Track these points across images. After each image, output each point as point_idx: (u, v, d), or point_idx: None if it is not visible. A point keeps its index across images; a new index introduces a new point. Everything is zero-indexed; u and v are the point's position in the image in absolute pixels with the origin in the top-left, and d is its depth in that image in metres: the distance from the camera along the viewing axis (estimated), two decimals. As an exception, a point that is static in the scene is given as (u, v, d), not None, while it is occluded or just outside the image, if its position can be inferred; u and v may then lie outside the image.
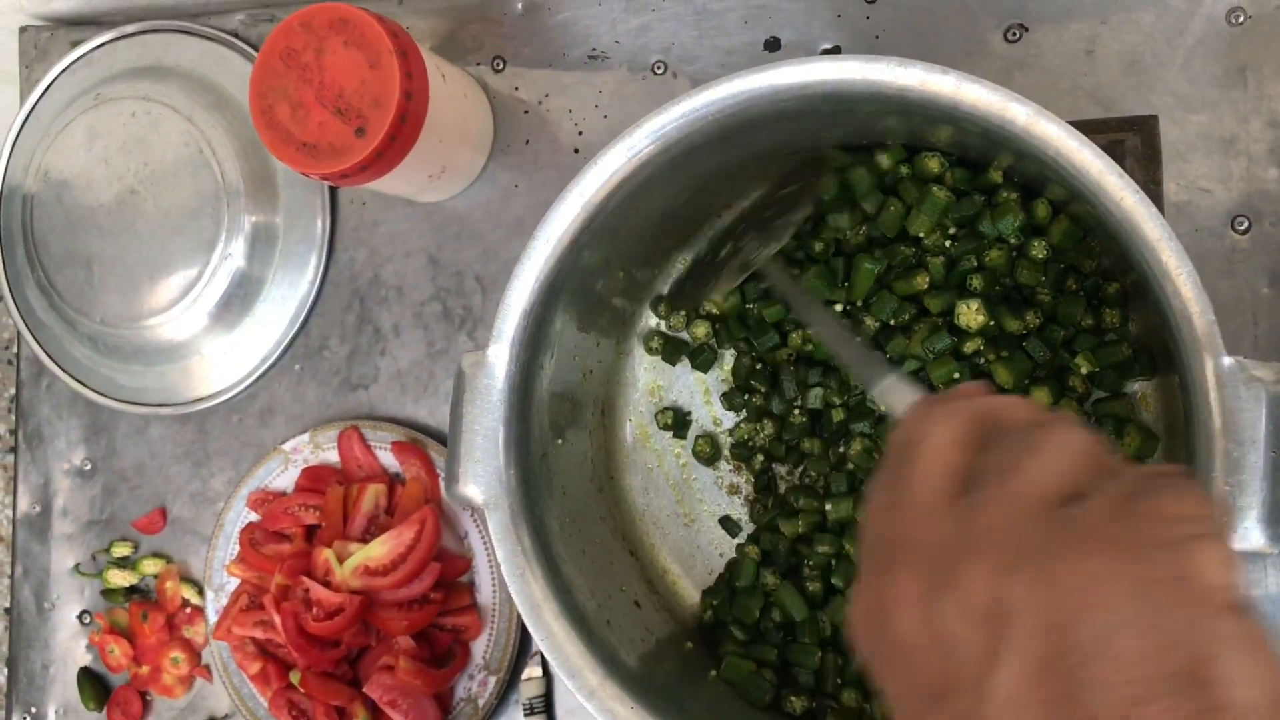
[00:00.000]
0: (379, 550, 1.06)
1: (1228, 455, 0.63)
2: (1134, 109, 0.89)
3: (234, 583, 1.16)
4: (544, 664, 1.05)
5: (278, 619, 1.06)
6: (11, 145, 1.07)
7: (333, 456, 1.14)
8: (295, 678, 1.10)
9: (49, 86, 1.11)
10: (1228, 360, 0.64)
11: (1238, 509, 0.62)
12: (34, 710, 1.09)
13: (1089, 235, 0.81)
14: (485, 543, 1.09)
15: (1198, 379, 0.65)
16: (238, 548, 1.15)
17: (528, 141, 1.08)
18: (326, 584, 1.07)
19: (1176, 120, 0.89)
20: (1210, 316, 0.65)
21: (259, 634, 1.11)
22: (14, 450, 1.12)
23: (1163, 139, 0.89)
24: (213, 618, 1.16)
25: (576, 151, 1.05)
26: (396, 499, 1.11)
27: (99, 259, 1.02)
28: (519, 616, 1.06)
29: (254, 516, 1.16)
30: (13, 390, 1.15)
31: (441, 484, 1.11)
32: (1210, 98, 0.89)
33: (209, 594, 1.17)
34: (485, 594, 1.09)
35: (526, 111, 1.08)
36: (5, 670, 1.11)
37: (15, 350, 1.12)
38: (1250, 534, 0.63)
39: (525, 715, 1.06)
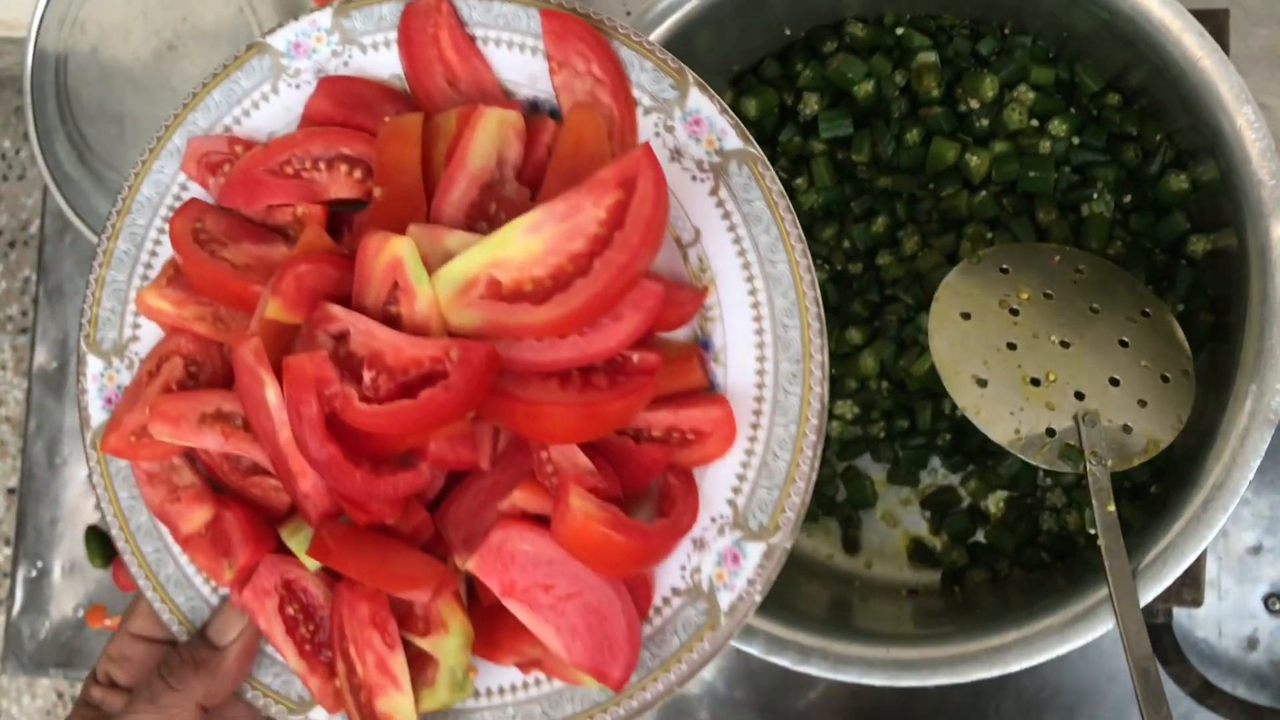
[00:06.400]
0: (522, 244, 0.45)
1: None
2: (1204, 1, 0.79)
3: (146, 342, 0.54)
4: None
5: (274, 395, 0.45)
6: (46, -8, 0.92)
7: (385, 61, 0.52)
8: (296, 537, 0.50)
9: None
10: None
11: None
12: (40, 564, 1.02)
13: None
14: (745, 247, 0.49)
15: (1261, 244, 0.65)
16: (155, 253, 0.53)
17: None
18: (393, 320, 0.46)
19: (1241, 33, 0.85)
20: (1283, 178, 0.65)
21: (212, 443, 0.50)
22: (34, 305, 1.06)
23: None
24: (97, 411, 0.54)
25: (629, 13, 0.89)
26: (541, 148, 0.50)
27: (132, 115, 0.93)
28: (823, 407, 0.48)
29: (201, 193, 0.54)
30: (27, 272, 1.20)
31: (644, 114, 0.50)
32: (1278, 11, 0.85)
33: (91, 362, 0.55)
34: (740, 366, 0.49)
35: None
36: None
37: (37, 228, 1.05)
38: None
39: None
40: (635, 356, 0.47)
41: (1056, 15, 0.75)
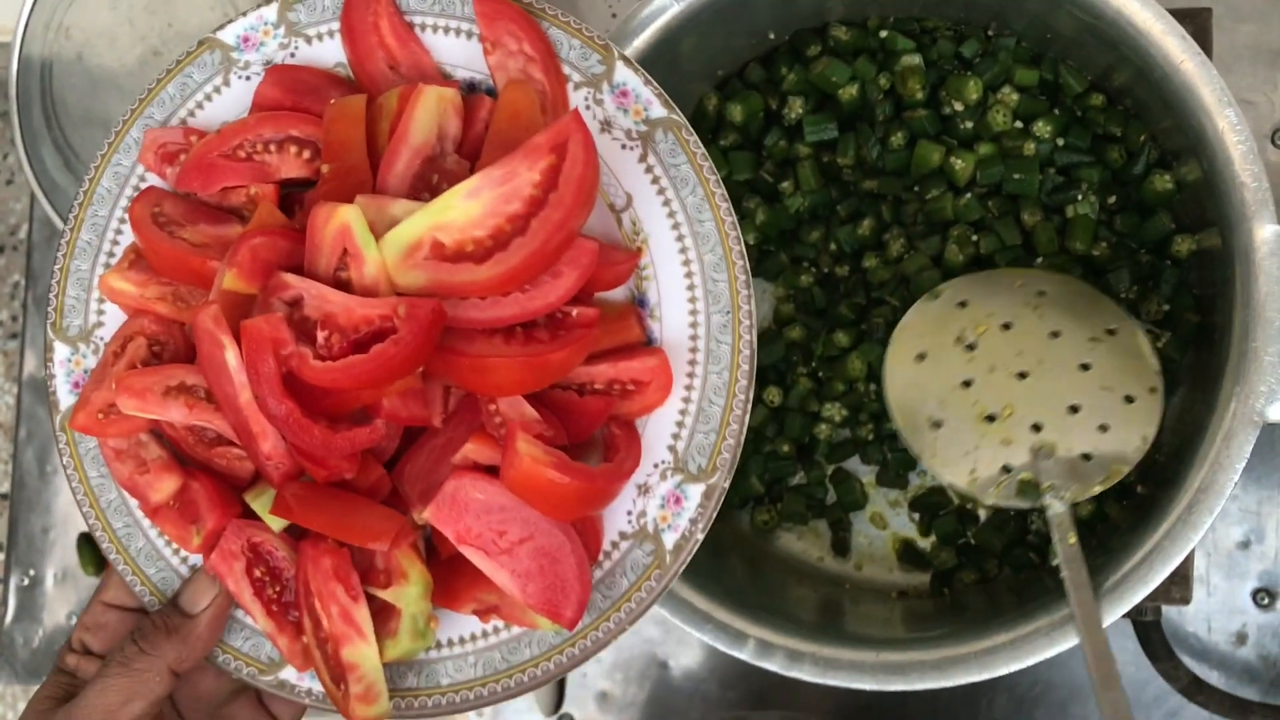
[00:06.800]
0: (462, 209, 0.48)
1: (1270, 324, 0.63)
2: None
3: (110, 327, 0.57)
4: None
5: (234, 358, 0.48)
6: (33, 2, 0.94)
7: (329, 50, 0.55)
8: (260, 500, 0.52)
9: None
10: (1276, 228, 0.64)
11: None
12: (32, 573, 1.02)
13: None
14: (675, 209, 0.52)
15: (1245, 246, 0.65)
16: (117, 242, 0.56)
17: None
18: (344, 284, 0.49)
19: (1226, 29, 0.85)
20: (1264, 183, 0.64)
21: (177, 415, 0.52)
22: (24, 310, 1.06)
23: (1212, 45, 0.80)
24: (65, 395, 0.57)
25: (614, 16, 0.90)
26: (479, 123, 0.53)
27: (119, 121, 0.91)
28: (751, 354, 0.51)
29: (159, 183, 0.57)
30: (16, 277, 1.23)
31: (575, 89, 0.53)
32: (1261, 7, 0.85)
33: (58, 348, 0.57)
34: (675, 319, 0.52)
35: None
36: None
37: (25, 232, 1.08)
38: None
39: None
40: (574, 311, 0.50)
41: (1040, 17, 0.75)
